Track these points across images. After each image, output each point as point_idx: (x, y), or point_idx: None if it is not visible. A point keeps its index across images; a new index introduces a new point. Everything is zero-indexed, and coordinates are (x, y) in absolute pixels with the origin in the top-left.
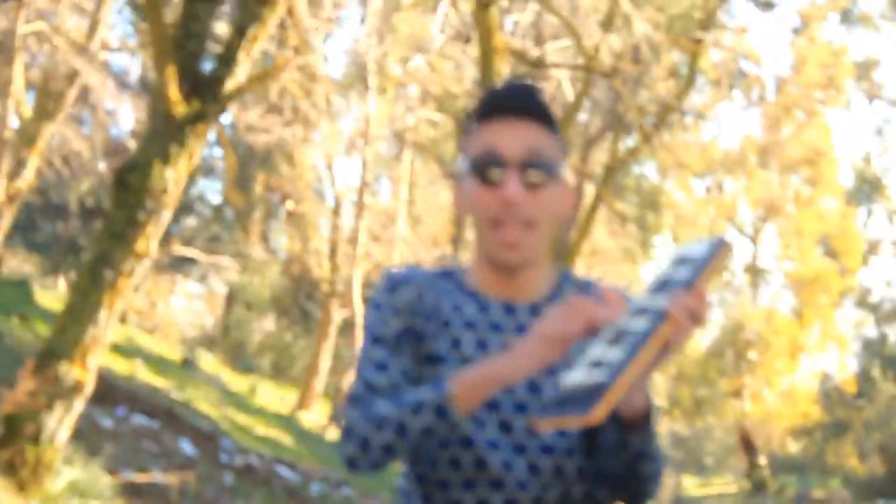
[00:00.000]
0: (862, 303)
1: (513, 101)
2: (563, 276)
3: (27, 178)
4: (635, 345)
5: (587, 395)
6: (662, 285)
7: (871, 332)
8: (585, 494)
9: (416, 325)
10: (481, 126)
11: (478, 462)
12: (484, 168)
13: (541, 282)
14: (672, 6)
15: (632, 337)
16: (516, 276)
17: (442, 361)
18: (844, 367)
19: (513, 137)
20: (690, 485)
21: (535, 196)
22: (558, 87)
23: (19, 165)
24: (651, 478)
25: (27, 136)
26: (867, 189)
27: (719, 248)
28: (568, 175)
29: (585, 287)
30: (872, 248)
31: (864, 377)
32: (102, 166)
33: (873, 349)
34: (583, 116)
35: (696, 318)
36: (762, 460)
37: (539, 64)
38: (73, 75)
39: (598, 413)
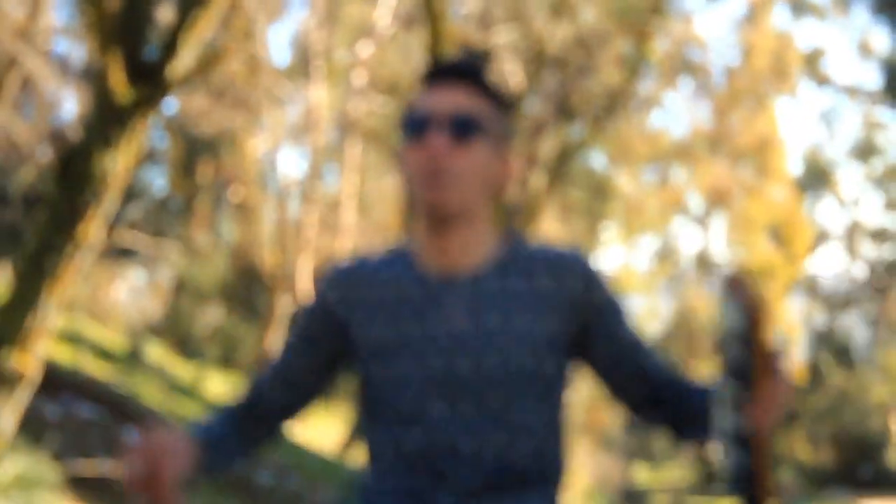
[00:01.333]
0: (811, 292)
1: (448, 68)
2: (516, 245)
3: None
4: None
5: None
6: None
7: (820, 321)
8: (506, 472)
9: (341, 317)
10: (420, 93)
11: (396, 439)
12: (412, 128)
13: (482, 249)
14: None
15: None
16: (451, 237)
17: (384, 341)
18: (794, 357)
19: (442, 98)
20: (641, 472)
21: (460, 151)
22: (505, 74)
23: None
24: None
25: None
26: (815, 178)
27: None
28: (506, 144)
29: (531, 254)
30: (821, 238)
31: (813, 368)
32: (44, 153)
33: (823, 339)
34: (531, 105)
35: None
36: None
37: (486, 51)
38: (13, 62)
39: None
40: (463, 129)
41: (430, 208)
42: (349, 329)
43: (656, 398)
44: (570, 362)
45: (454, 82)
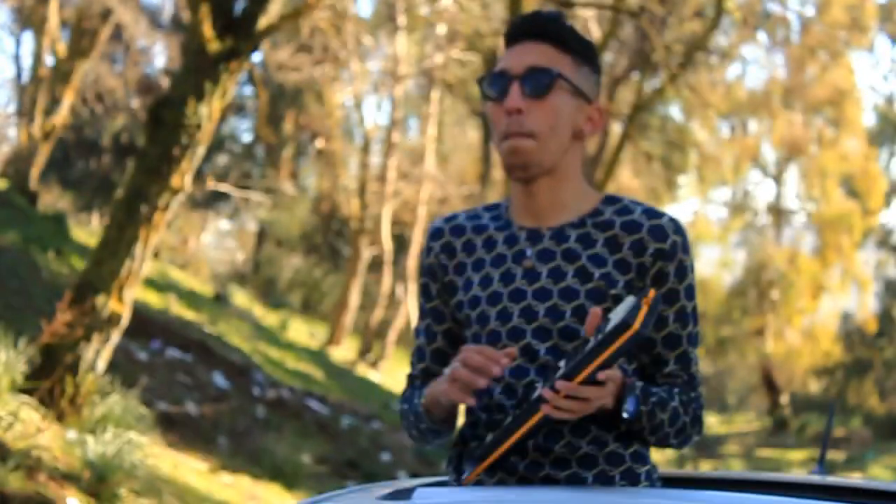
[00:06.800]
0: (884, 243)
1: (526, 26)
2: (609, 202)
3: (62, 115)
4: (507, 429)
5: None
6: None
7: (893, 272)
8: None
9: (447, 280)
10: (503, 54)
11: (486, 390)
12: (492, 85)
13: (569, 202)
14: None
15: (510, 420)
16: (536, 192)
17: (478, 302)
18: (865, 307)
19: (520, 56)
20: (713, 422)
21: (537, 105)
22: (585, 26)
23: (54, 103)
24: (672, 433)
25: (62, 73)
26: (890, 130)
27: (620, 329)
28: (590, 95)
29: (630, 214)
30: (894, 189)
31: (884, 317)
32: (135, 104)
33: (894, 289)
34: (609, 56)
35: (570, 412)
36: (784, 399)
37: (567, 3)
38: (106, 13)
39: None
40: (538, 82)
41: (509, 166)
42: (451, 277)
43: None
44: None
45: (534, 39)
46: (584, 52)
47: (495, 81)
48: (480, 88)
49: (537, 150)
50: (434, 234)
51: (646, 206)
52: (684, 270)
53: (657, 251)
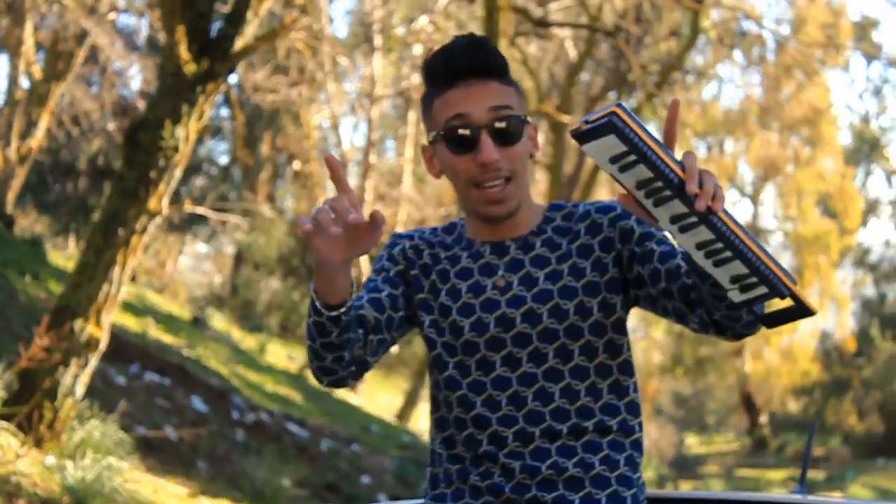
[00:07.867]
0: (861, 262)
1: (469, 62)
2: (552, 207)
3: (38, 138)
4: (733, 243)
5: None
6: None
7: (870, 291)
8: (574, 426)
9: (412, 275)
10: (442, 92)
11: (463, 403)
12: (456, 134)
13: (528, 219)
14: None
15: (727, 242)
16: (505, 223)
17: (448, 311)
18: (843, 327)
19: (477, 99)
20: (693, 443)
21: (509, 150)
22: (561, 46)
23: (30, 126)
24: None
25: (37, 96)
26: (866, 149)
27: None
28: (528, 118)
29: (570, 213)
30: (871, 208)
31: (863, 336)
32: (112, 126)
33: (872, 308)
34: (585, 76)
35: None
36: (763, 419)
37: (542, 23)
38: (82, 36)
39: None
40: (509, 131)
41: (487, 211)
42: (416, 272)
43: (700, 297)
44: (626, 310)
45: (478, 77)
46: (510, 73)
47: (459, 129)
48: (444, 143)
49: (516, 191)
50: (402, 235)
51: (589, 202)
52: (643, 223)
53: (611, 219)
